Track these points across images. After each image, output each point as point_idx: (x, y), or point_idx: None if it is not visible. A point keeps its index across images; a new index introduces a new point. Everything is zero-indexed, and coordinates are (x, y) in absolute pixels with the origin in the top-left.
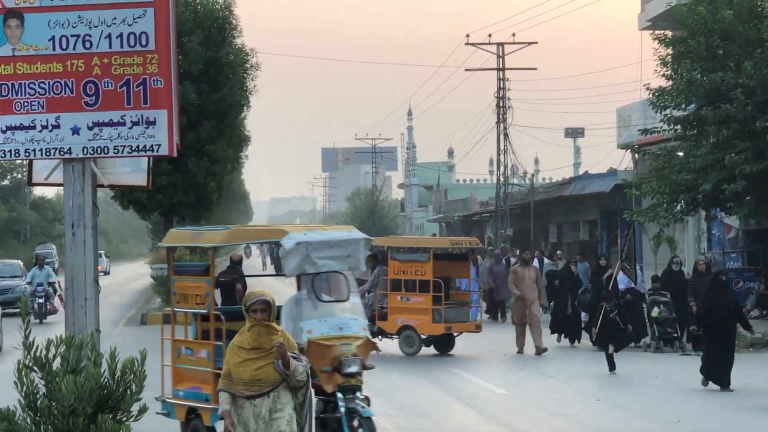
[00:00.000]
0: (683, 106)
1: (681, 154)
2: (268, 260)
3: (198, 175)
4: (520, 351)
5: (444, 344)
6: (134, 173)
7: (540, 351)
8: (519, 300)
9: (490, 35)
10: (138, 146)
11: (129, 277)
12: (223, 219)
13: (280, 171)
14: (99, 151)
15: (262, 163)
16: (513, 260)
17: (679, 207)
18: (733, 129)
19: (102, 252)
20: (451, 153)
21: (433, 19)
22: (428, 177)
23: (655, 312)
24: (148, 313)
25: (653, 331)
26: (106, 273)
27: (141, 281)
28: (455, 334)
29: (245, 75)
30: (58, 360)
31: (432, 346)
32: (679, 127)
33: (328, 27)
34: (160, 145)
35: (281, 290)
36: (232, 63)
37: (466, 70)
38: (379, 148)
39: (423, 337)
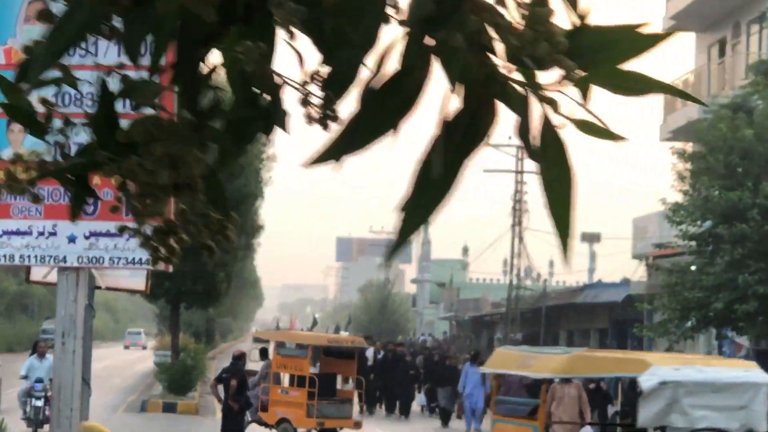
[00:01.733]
0: (699, 222)
1: (693, 268)
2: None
3: (207, 265)
4: None
5: None
6: (133, 278)
7: None
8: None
9: (510, 137)
10: (134, 258)
11: (134, 359)
12: (233, 305)
13: (293, 258)
14: (94, 261)
15: (275, 249)
16: None
17: (689, 324)
18: (748, 249)
19: (141, 330)
20: (465, 251)
21: None
22: (441, 274)
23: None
24: (149, 400)
25: None
26: (144, 348)
27: (145, 364)
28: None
29: (261, 166)
30: None
31: None
32: (693, 243)
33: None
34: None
35: None
36: (247, 153)
37: (485, 170)
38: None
39: (299, 430)
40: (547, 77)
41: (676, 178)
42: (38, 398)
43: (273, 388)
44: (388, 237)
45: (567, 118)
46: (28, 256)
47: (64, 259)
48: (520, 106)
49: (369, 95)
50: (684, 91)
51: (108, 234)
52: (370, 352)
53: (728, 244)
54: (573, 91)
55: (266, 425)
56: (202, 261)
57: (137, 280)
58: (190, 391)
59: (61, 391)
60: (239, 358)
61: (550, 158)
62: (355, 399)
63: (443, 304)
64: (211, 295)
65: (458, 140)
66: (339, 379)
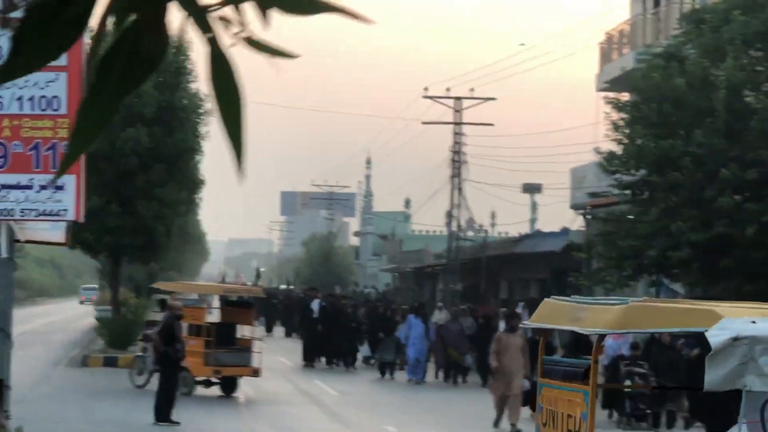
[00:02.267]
0: (633, 171)
1: (631, 217)
2: None
3: (147, 219)
4: (497, 423)
5: (227, 387)
6: (53, 231)
7: (515, 430)
8: (500, 371)
9: (448, 89)
10: (45, 210)
11: (78, 314)
12: (177, 259)
13: (239, 212)
14: (5, 214)
15: (220, 204)
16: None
17: (625, 272)
18: (681, 197)
19: (96, 286)
20: (407, 203)
21: (392, 70)
22: (384, 226)
23: (628, 385)
24: (90, 356)
25: (625, 405)
26: None
27: (88, 319)
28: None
29: (199, 120)
30: None
31: (219, 388)
32: (628, 191)
33: (287, 74)
34: (67, 210)
35: None
36: (186, 108)
37: (423, 123)
38: (336, 195)
39: (198, 378)
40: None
41: (610, 127)
42: None
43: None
44: (330, 190)
45: (236, 36)
46: None
47: None
48: (201, 25)
49: (34, 16)
50: (349, 10)
51: (18, 186)
52: (315, 304)
53: (662, 192)
54: (252, 14)
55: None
56: (141, 215)
57: (57, 233)
58: (130, 345)
59: None
60: (168, 307)
61: (220, 77)
62: (256, 347)
63: (386, 257)
64: (151, 249)
65: (124, 64)
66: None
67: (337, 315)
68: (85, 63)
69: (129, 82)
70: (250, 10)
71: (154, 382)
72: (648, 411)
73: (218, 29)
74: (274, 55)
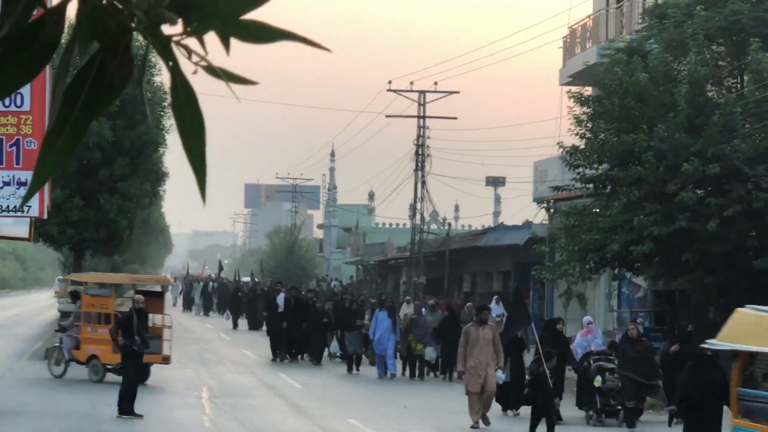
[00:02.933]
0: (596, 165)
1: (596, 210)
2: (180, 301)
3: (110, 212)
4: (476, 425)
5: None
6: (16, 225)
7: (486, 423)
8: (472, 366)
9: (412, 83)
10: (8, 206)
11: (42, 306)
12: (141, 252)
13: (203, 204)
14: None
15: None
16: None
17: (587, 266)
18: (643, 191)
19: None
20: (371, 196)
21: (356, 63)
22: (348, 219)
23: (598, 381)
24: (52, 348)
25: (595, 401)
26: None
27: (52, 312)
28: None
29: (162, 113)
30: None
31: None
32: (591, 186)
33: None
34: (30, 207)
35: (193, 328)
36: (149, 101)
37: (387, 116)
38: (300, 187)
39: (108, 366)
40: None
41: (573, 122)
42: None
43: (83, 327)
44: (294, 183)
45: (197, 65)
46: None
47: None
48: (164, 54)
49: (1, 45)
50: (307, 39)
51: None
52: (281, 299)
53: (624, 186)
54: (214, 40)
55: (79, 362)
56: (104, 209)
57: (21, 228)
58: None
59: None
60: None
61: (182, 104)
62: (167, 335)
63: (350, 249)
64: (114, 242)
65: (90, 91)
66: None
67: (302, 309)
68: (49, 92)
69: (94, 108)
70: (210, 39)
71: (72, 371)
72: (618, 407)
73: (180, 57)
74: (234, 82)
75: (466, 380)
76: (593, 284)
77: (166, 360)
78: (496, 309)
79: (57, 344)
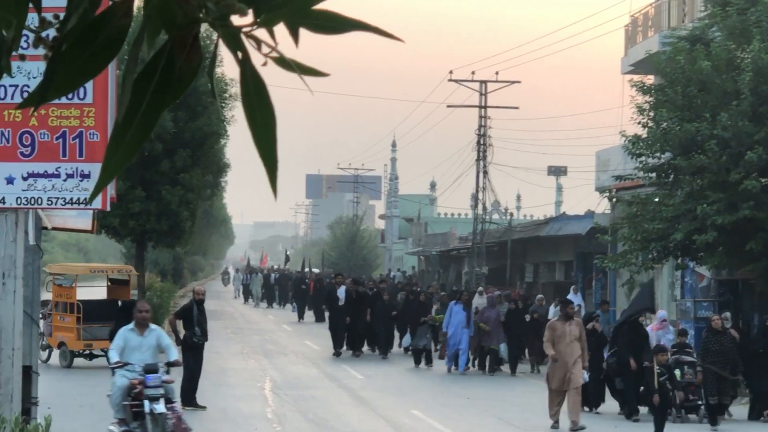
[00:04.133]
0: (658, 154)
1: (658, 200)
2: (242, 289)
3: (171, 204)
4: (555, 424)
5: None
6: (79, 218)
7: (577, 428)
8: (556, 362)
9: (473, 72)
10: (72, 198)
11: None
12: (203, 243)
13: (264, 196)
14: (33, 202)
15: (246, 188)
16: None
17: (650, 255)
18: (706, 179)
19: None
20: (433, 186)
21: (418, 54)
22: (410, 209)
23: (676, 375)
24: None
25: (673, 397)
26: None
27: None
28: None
29: (223, 105)
30: None
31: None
32: (653, 175)
33: (313, 58)
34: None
35: (255, 319)
36: (210, 92)
37: (448, 106)
38: (362, 178)
39: (76, 351)
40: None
41: (635, 110)
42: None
43: (54, 316)
44: (356, 173)
45: (267, 56)
46: None
47: (3, 200)
48: (234, 45)
49: (69, 38)
50: (379, 28)
51: (45, 175)
52: (341, 291)
53: (687, 175)
54: (283, 32)
55: (52, 348)
56: (166, 200)
57: (84, 220)
58: None
59: (2, 332)
60: (194, 295)
61: (252, 97)
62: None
63: (411, 239)
64: (176, 234)
65: (158, 84)
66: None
67: (363, 302)
68: (118, 85)
69: (162, 101)
70: (280, 30)
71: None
72: (699, 402)
73: (250, 49)
74: (306, 74)
75: (548, 376)
76: (656, 274)
77: None
78: (575, 299)
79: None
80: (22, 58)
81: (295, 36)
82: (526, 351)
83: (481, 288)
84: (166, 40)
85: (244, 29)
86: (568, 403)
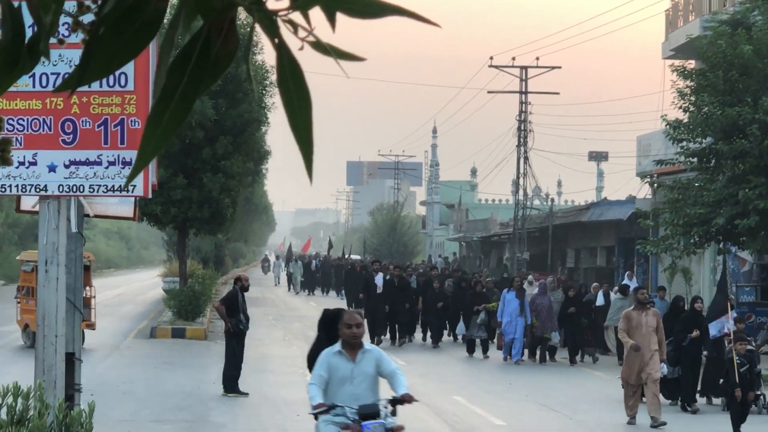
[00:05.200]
0: (700, 139)
1: (700, 184)
2: (283, 279)
3: (213, 191)
4: (632, 420)
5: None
6: (121, 205)
7: (657, 424)
8: (633, 353)
9: (513, 58)
10: (113, 186)
11: (146, 286)
12: (244, 230)
13: (306, 182)
14: (75, 190)
15: (288, 175)
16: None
17: (691, 240)
18: (748, 164)
19: None
20: (474, 172)
21: (458, 40)
22: (451, 195)
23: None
24: (157, 327)
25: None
26: None
27: (156, 291)
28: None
29: (264, 92)
30: (4, 410)
31: None
32: (695, 159)
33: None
34: (135, 186)
35: (296, 306)
36: (251, 79)
37: (489, 92)
38: (402, 164)
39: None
40: (278, 4)
41: (677, 95)
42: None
43: (22, 299)
44: (396, 160)
45: (303, 40)
46: (10, 186)
47: (45, 188)
48: (270, 29)
49: (106, 22)
50: (416, 14)
51: (87, 162)
52: (379, 279)
53: (729, 159)
54: (319, 16)
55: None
56: (207, 188)
57: (126, 208)
58: (198, 316)
59: (45, 318)
60: (235, 282)
61: (288, 79)
62: (93, 303)
63: (452, 225)
64: (217, 221)
65: (194, 68)
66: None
67: (405, 290)
68: (154, 69)
69: (198, 86)
70: (316, 14)
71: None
72: (758, 393)
73: (286, 33)
74: (342, 59)
75: (624, 369)
76: (698, 259)
77: (90, 326)
78: (631, 284)
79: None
80: (61, 42)
81: (332, 20)
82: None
83: (531, 277)
84: (202, 24)
85: (280, 13)
86: (646, 398)
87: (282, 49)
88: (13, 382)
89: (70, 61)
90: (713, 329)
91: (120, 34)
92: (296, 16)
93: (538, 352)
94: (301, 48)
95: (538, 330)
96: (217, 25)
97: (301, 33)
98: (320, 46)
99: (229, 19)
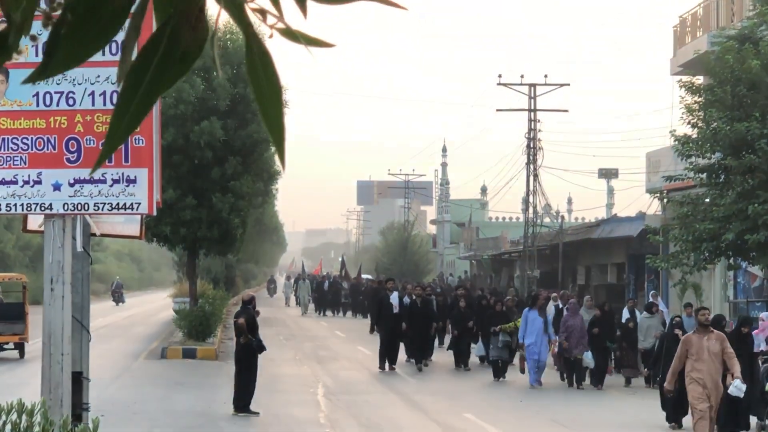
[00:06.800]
0: (708, 154)
1: (708, 200)
2: (292, 299)
3: (222, 211)
4: None
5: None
6: (127, 223)
7: None
8: (695, 382)
9: (522, 76)
10: (118, 204)
11: (157, 307)
12: (255, 251)
13: (316, 203)
14: (79, 208)
15: (298, 196)
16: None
17: (701, 255)
18: (757, 179)
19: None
20: (484, 190)
21: (466, 57)
22: (461, 214)
23: None
24: (168, 347)
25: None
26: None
27: (167, 312)
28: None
29: None
30: (8, 427)
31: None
32: (704, 175)
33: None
34: (140, 204)
35: (308, 326)
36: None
37: (497, 110)
38: (412, 183)
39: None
40: None
41: (684, 111)
42: None
43: None
44: (406, 179)
45: (272, 27)
46: (14, 205)
47: (50, 207)
48: (237, 17)
49: (73, 10)
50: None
51: (91, 181)
52: (394, 298)
53: (738, 175)
54: (290, 5)
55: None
56: (216, 208)
57: (132, 226)
58: (209, 336)
59: (51, 337)
60: (248, 302)
61: (258, 69)
62: (29, 320)
63: (463, 244)
64: (227, 241)
65: (162, 57)
66: None
67: (427, 309)
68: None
69: (165, 77)
70: (286, 1)
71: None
72: None
73: (255, 21)
74: (312, 45)
75: (691, 398)
76: (708, 274)
77: (22, 338)
78: (660, 304)
79: None
80: (34, 39)
81: (302, 6)
82: (612, 362)
83: (554, 294)
84: (170, 12)
85: (248, 2)
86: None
87: (251, 38)
88: (18, 399)
89: (74, 80)
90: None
91: (87, 22)
92: (265, 3)
93: (573, 376)
94: (271, 36)
95: (568, 352)
96: (185, 12)
97: (270, 20)
98: (290, 33)
99: (198, 7)
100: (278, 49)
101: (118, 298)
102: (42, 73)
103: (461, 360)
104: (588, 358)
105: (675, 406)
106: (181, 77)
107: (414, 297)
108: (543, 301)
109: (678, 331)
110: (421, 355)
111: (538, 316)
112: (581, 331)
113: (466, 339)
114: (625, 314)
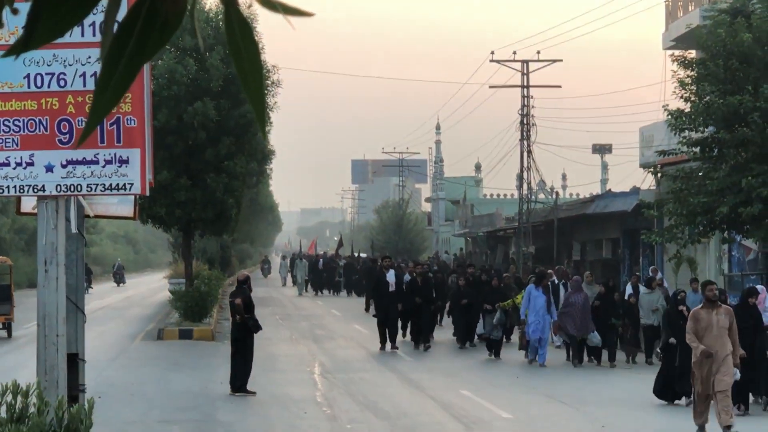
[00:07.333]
0: (701, 128)
1: (701, 174)
2: (289, 279)
3: (216, 192)
4: (701, 430)
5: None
6: (121, 204)
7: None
8: (710, 357)
9: (514, 52)
10: (111, 184)
11: (153, 289)
12: (250, 231)
13: (311, 182)
14: (72, 189)
15: (293, 175)
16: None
17: (696, 229)
18: (750, 152)
19: None
20: (478, 168)
21: (459, 35)
22: (455, 191)
23: None
24: (164, 328)
25: None
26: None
27: (164, 293)
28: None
29: (266, 91)
30: (3, 408)
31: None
32: (697, 149)
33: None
34: (132, 184)
35: (304, 305)
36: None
37: (490, 87)
38: (406, 162)
39: None
40: None
41: (678, 85)
42: None
43: None
44: (400, 157)
45: None
46: (7, 187)
47: (43, 188)
48: None
49: None
50: None
51: (84, 162)
52: (391, 276)
53: (731, 148)
54: None
55: None
56: (211, 188)
57: (126, 207)
58: (205, 317)
59: (46, 319)
60: (244, 282)
61: (238, 39)
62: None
63: (458, 221)
64: (222, 222)
65: (142, 29)
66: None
67: (426, 288)
68: (100, 30)
69: (146, 48)
70: None
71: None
72: None
73: None
74: (290, 14)
75: (693, 376)
76: (703, 248)
77: (9, 319)
78: (658, 277)
79: None
80: (15, 12)
81: None
82: (618, 341)
83: (550, 271)
84: None
85: None
86: (715, 407)
87: (230, 8)
88: (12, 380)
89: (65, 61)
90: None
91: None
92: None
93: (581, 355)
94: (250, 6)
95: (574, 331)
96: None
97: None
98: (268, 3)
99: None
100: (269, 27)
101: (119, 279)
102: (25, 45)
103: (468, 337)
104: (595, 339)
105: (666, 384)
106: (161, 47)
107: (415, 275)
108: (548, 279)
109: (682, 308)
110: (424, 336)
111: (541, 294)
112: (584, 309)
113: (466, 316)
114: (629, 290)
